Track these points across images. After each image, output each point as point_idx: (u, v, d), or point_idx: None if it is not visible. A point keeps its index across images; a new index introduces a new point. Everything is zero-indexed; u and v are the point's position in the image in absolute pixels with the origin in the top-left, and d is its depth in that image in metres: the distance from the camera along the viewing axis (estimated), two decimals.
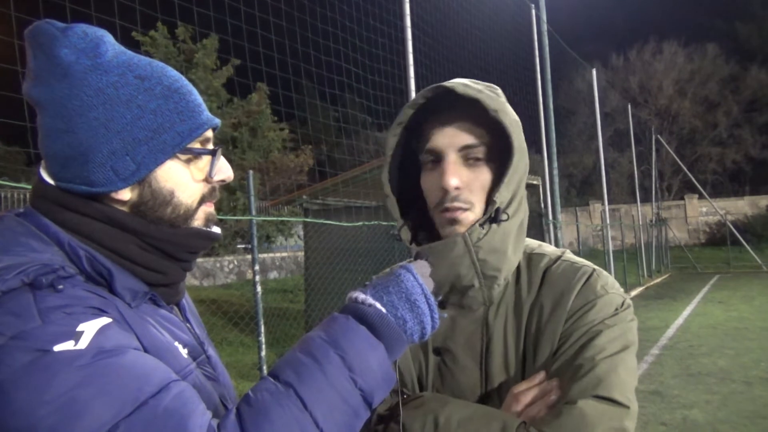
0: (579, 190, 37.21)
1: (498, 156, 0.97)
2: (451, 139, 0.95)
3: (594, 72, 16.65)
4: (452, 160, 0.95)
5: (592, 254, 18.52)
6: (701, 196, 27.28)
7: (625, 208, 28.06)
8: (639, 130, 28.96)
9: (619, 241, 17.64)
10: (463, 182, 0.95)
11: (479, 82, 1.00)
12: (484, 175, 0.96)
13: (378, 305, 0.80)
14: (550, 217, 10.97)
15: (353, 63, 6.59)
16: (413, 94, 6.23)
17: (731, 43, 39.01)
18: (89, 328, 0.66)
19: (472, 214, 0.96)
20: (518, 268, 1.03)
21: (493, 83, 1.03)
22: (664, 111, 37.94)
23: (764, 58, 37.05)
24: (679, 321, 10.22)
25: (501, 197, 0.94)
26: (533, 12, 11.63)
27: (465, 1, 9.72)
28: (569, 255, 1.05)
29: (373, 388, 0.74)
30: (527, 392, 0.90)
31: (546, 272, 1.00)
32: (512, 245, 0.99)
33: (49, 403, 0.60)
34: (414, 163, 1.04)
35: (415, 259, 0.93)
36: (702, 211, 29.53)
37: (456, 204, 0.95)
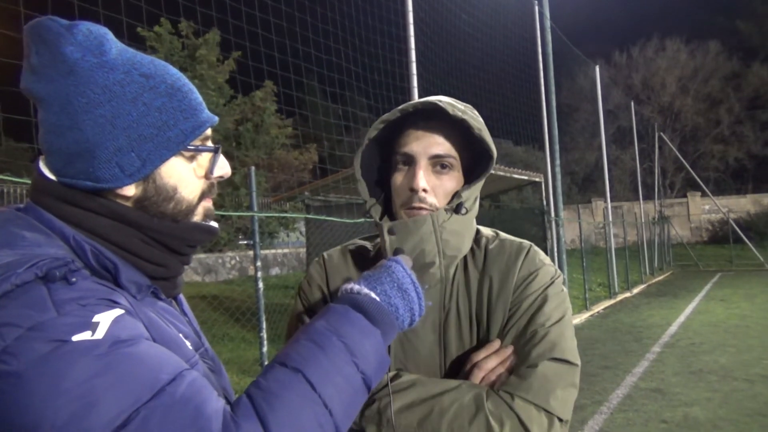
0: (581, 187, 37.18)
1: (464, 164, 1.10)
2: (424, 147, 1.06)
3: (597, 69, 16.62)
4: (423, 165, 1.06)
5: (594, 251, 18.45)
6: (704, 194, 27.25)
7: (627, 206, 28.02)
8: (641, 127, 28.90)
9: (622, 238, 17.62)
10: (430, 187, 1.06)
11: (459, 102, 1.10)
12: (448, 183, 1.08)
13: (372, 294, 0.86)
14: (552, 214, 10.95)
15: (356, 62, 6.61)
16: (415, 92, 6.26)
17: (733, 40, 38.95)
18: (104, 319, 0.67)
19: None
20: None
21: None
22: (667, 108, 37.87)
23: (766, 55, 37.00)
24: (681, 318, 10.23)
25: (465, 195, 1.07)
26: (536, 8, 11.59)
27: None
28: (504, 234, 1.19)
29: (372, 372, 0.78)
30: (487, 359, 1.02)
31: (487, 250, 1.14)
32: (468, 232, 1.12)
33: (68, 392, 0.61)
34: (384, 159, 1.16)
35: (396, 254, 1.02)
36: (704, 208, 29.48)
37: (421, 205, 1.05)
